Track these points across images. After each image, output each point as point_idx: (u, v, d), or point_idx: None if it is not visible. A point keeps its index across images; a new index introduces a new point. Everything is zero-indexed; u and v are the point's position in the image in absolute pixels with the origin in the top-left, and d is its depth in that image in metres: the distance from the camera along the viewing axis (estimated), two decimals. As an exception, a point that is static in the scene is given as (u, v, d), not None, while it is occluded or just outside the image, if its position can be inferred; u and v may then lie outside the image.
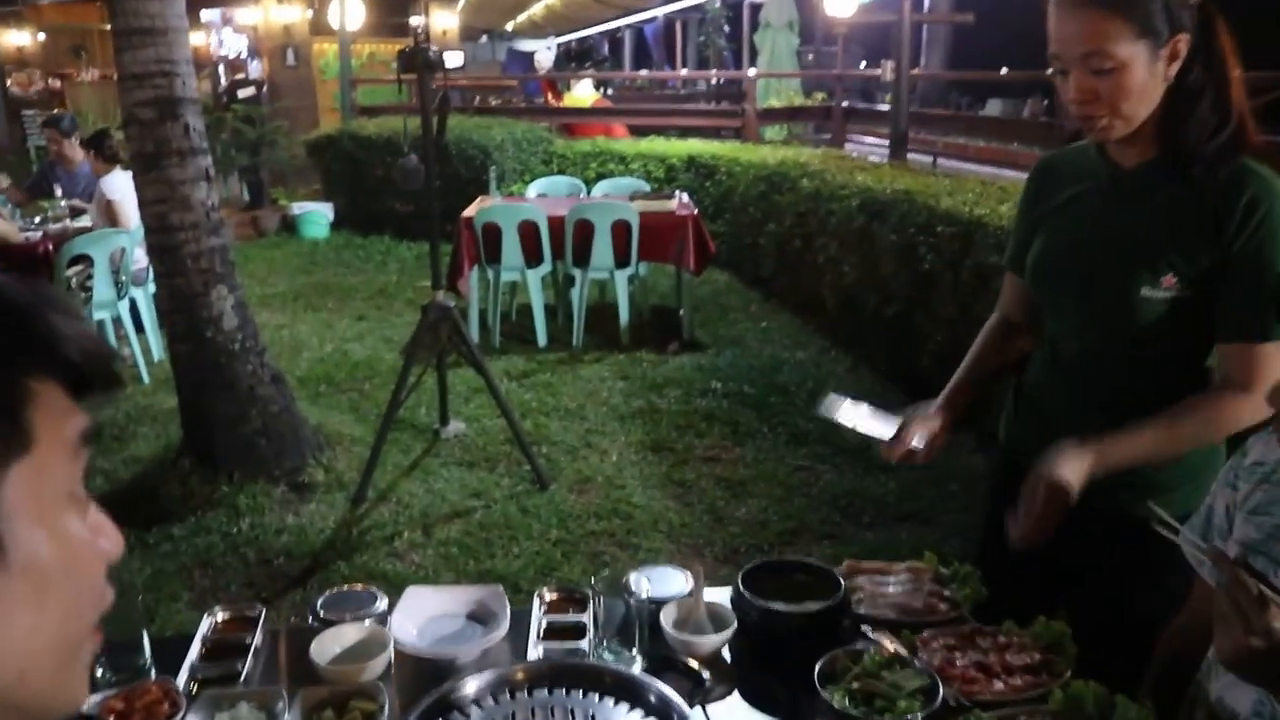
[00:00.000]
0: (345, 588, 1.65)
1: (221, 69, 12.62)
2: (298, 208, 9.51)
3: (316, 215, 9.39)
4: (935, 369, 4.86)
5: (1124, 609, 1.70)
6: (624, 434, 4.69)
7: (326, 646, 1.47)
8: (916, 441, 1.75)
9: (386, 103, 10.77)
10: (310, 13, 11.81)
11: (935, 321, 4.78)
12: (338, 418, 4.82)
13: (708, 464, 4.36)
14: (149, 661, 1.51)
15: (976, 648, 1.44)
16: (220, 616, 1.63)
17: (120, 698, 1.39)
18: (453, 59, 4.11)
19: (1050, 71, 1.57)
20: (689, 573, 1.60)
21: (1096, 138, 1.59)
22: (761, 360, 5.71)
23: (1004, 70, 10.28)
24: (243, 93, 10.32)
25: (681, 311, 6.26)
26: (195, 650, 1.55)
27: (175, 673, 1.48)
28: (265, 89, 11.20)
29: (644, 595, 1.46)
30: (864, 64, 17.98)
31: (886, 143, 8.20)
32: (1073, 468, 1.51)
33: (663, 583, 1.60)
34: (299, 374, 5.33)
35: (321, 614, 1.56)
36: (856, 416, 1.83)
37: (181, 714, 1.36)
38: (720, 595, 1.58)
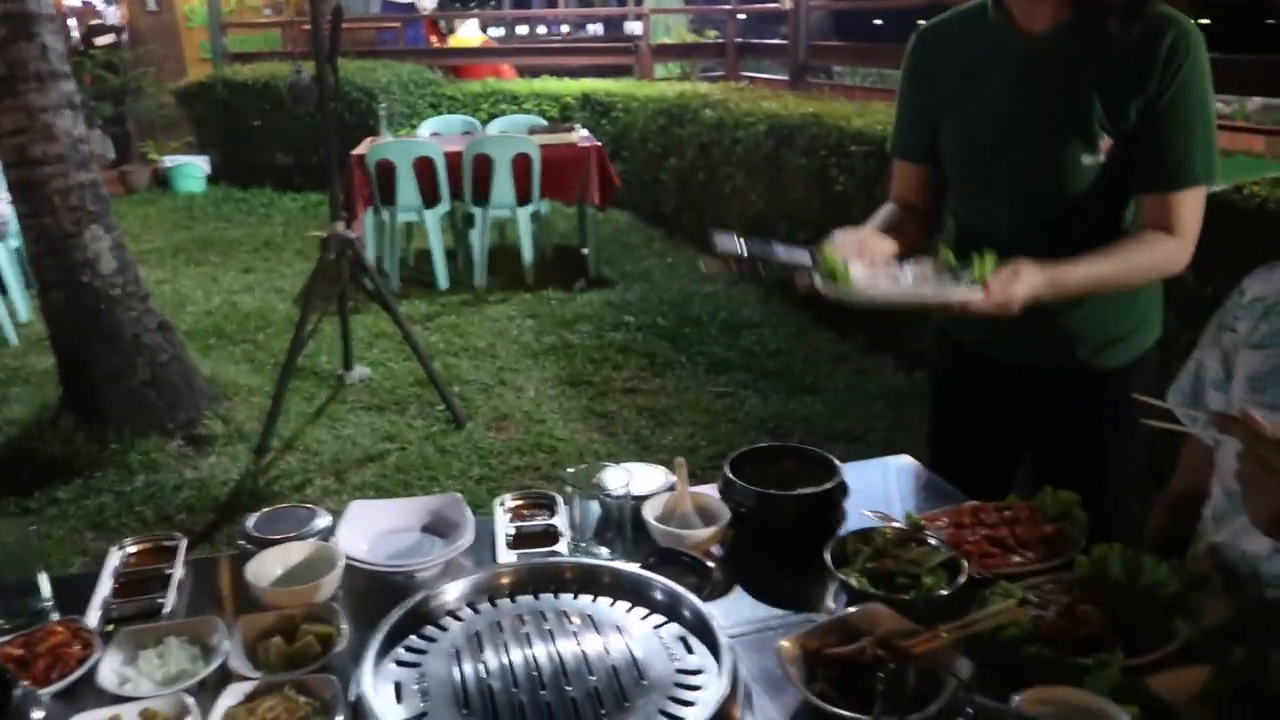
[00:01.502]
0: (279, 506, 1.46)
1: (73, 22, 11.75)
2: (170, 161, 8.94)
3: (191, 168, 8.84)
4: (851, 292, 4.82)
5: (1086, 466, 1.66)
6: (538, 370, 4.52)
7: (266, 568, 1.28)
8: (854, 251, 1.50)
9: (260, 50, 10.20)
10: (171, -46, 11.06)
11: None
12: (232, 369, 4.52)
13: (628, 395, 4.23)
14: (49, 602, 1.30)
15: (983, 524, 1.34)
16: (132, 549, 1.42)
17: (18, 643, 1.18)
18: (344, -35, 3.81)
19: None
20: (667, 469, 1.46)
21: None
22: (671, 294, 5.59)
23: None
24: (101, 40, 9.59)
25: (586, 249, 6.08)
26: (106, 586, 1.34)
27: (83, 613, 1.27)
28: (125, 35, 10.45)
29: (623, 490, 1.32)
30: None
31: (780, 78, 8.13)
32: (1030, 275, 1.42)
33: (639, 480, 1.45)
34: (185, 328, 4.98)
35: (255, 535, 1.37)
36: (762, 248, 1.60)
37: (97, 655, 1.16)
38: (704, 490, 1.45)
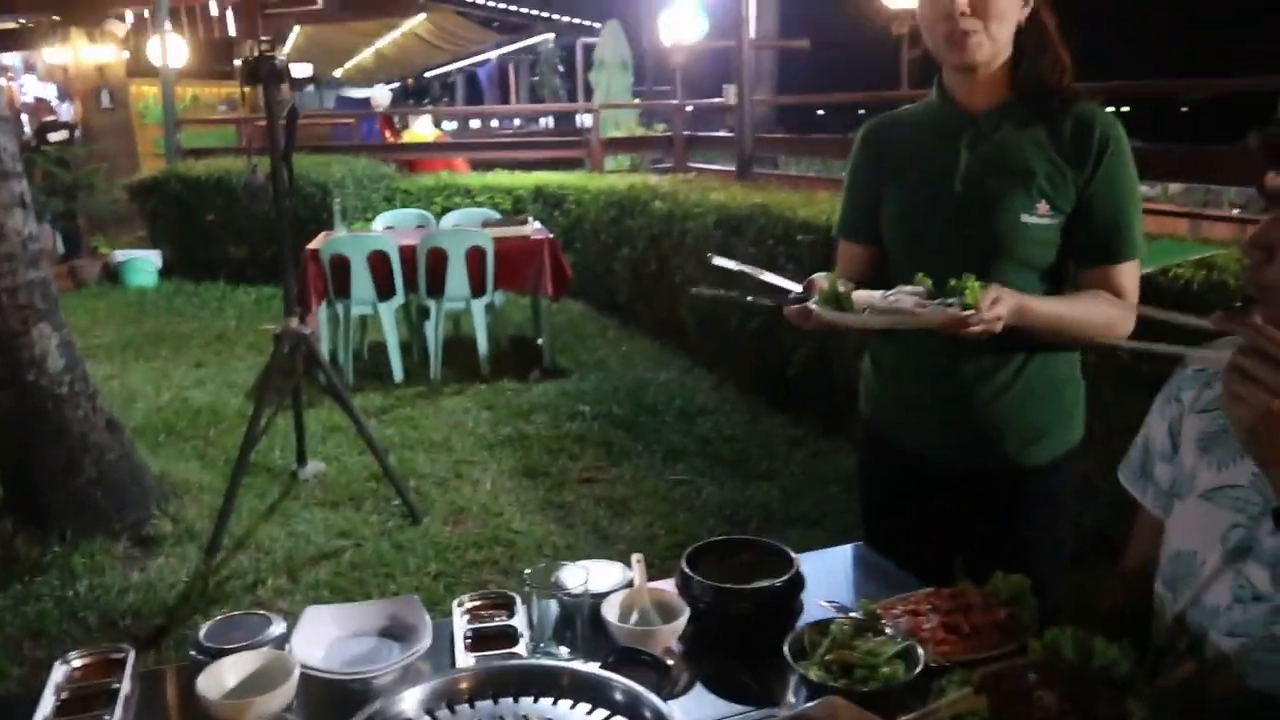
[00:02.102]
0: (231, 614, 1.43)
1: (26, 118, 11.77)
2: (121, 255, 8.90)
3: (142, 263, 8.80)
4: (803, 379, 4.88)
5: (1016, 559, 1.70)
6: (495, 462, 4.50)
7: (218, 680, 1.25)
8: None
9: (214, 145, 10.27)
10: (126, 54, 11.16)
11: (800, 331, 4.80)
12: (182, 466, 4.45)
13: (586, 485, 4.22)
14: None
15: (937, 610, 1.36)
16: (76, 662, 1.38)
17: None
18: (301, 69, 3.88)
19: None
20: (625, 565, 1.46)
21: (961, 58, 1.64)
22: (626, 382, 5.62)
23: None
24: (54, 136, 9.60)
25: (540, 340, 6.11)
26: (48, 703, 1.29)
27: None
28: (79, 132, 10.48)
29: (581, 589, 1.32)
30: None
31: (727, 169, 8.32)
32: (1007, 298, 1.52)
33: (597, 577, 1.45)
34: (134, 424, 4.90)
35: (206, 645, 1.34)
36: (753, 270, 1.68)
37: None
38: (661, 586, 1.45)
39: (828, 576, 1.65)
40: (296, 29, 15.86)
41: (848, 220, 1.87)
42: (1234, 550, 1.19)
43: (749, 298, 1.67)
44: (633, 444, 4.65)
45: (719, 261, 1.77)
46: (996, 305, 1.49)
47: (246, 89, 3.80)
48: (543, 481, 4.26)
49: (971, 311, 1.46)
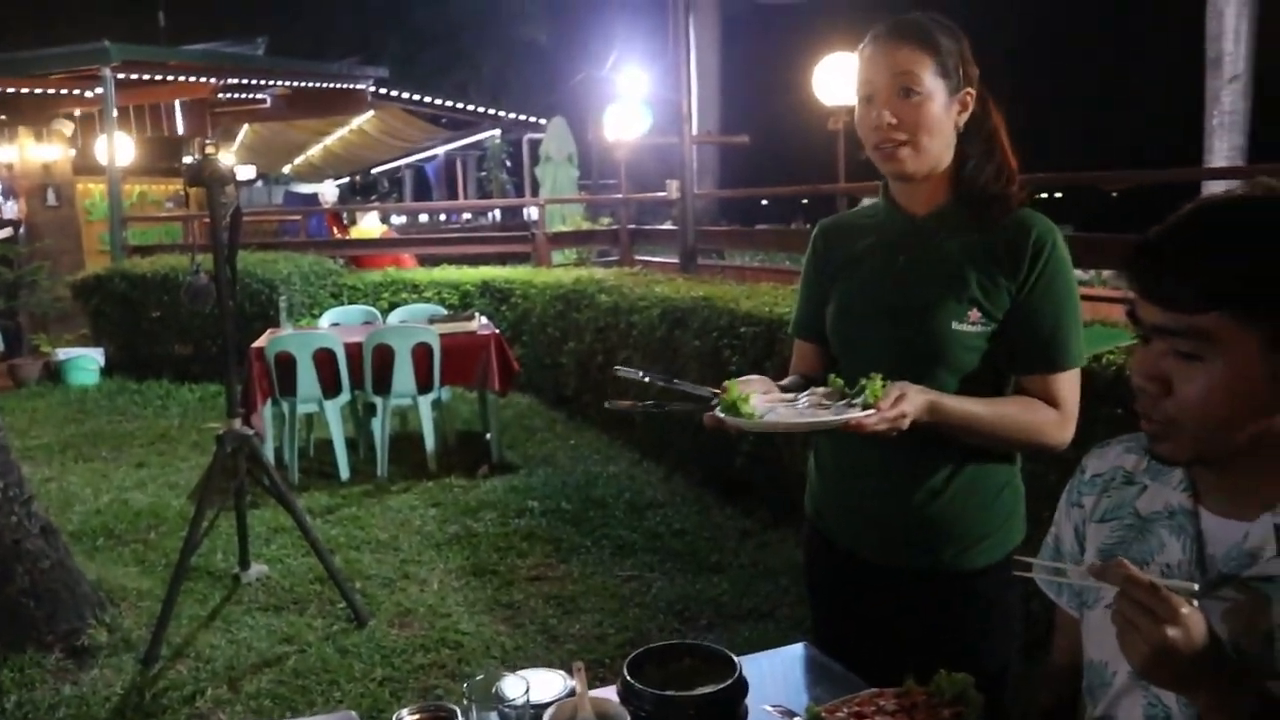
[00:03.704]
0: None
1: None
2: (63, 354, 8.76)
3: (85, 361, 8.67)
4: (750, 468, 4.93)
5: (962, 660, 1.72)
6: (442, 561, 4.46)
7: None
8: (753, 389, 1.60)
9: (160, 242, 10.24)
10: (73, 151, 11.16)
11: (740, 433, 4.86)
12: (121, 572, 4.34)
13: (534, 583, 4.19)
14: None
15: (883, 711, 1.38)
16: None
17: None
18: (244, 171, 3.92)
19: (856, 116, 1.72)
20: (566, 673, 1.47)
21: (892, 168, 1.68)
22: (575, 477, 5.63)
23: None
24: (-3, 234, 9.55)
25: (489, 435, 6.11)
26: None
27: None
28: (23, 229, 10.40)
29: (522, 700, 1.32)
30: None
31: (672, 261, 8.48)
32: (915, 396, 1.54)
33: (537, 686, 1.45)
34: (72, 528, 4.80)
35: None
36: (666, 384, 1.70)
37: None
38: (603, 695, 1.45)
39: (773, 678, 1.67)
40: (246, 126, 15.99)
41: (800, 319, 1.91)
42: None
43: (664, 408, 1.69)
44: (582, 540, 4.64)
45: (623, 372, 1.78)
46: (899, 403, 1.50)
47: (191, 189, 3.83)
48: (491, 580, 4.22)
49: (871, 411, 1.49)
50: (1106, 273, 7.34)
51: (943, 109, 1.65)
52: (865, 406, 1.50)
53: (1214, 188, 9.76)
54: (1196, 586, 1.07)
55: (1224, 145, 10.51)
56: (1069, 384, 1.67)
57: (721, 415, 1.53)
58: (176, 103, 11.46)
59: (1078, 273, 1.85)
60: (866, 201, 1.93)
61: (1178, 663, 1.01)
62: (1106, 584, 1.09)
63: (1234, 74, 10.40)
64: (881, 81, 1.65)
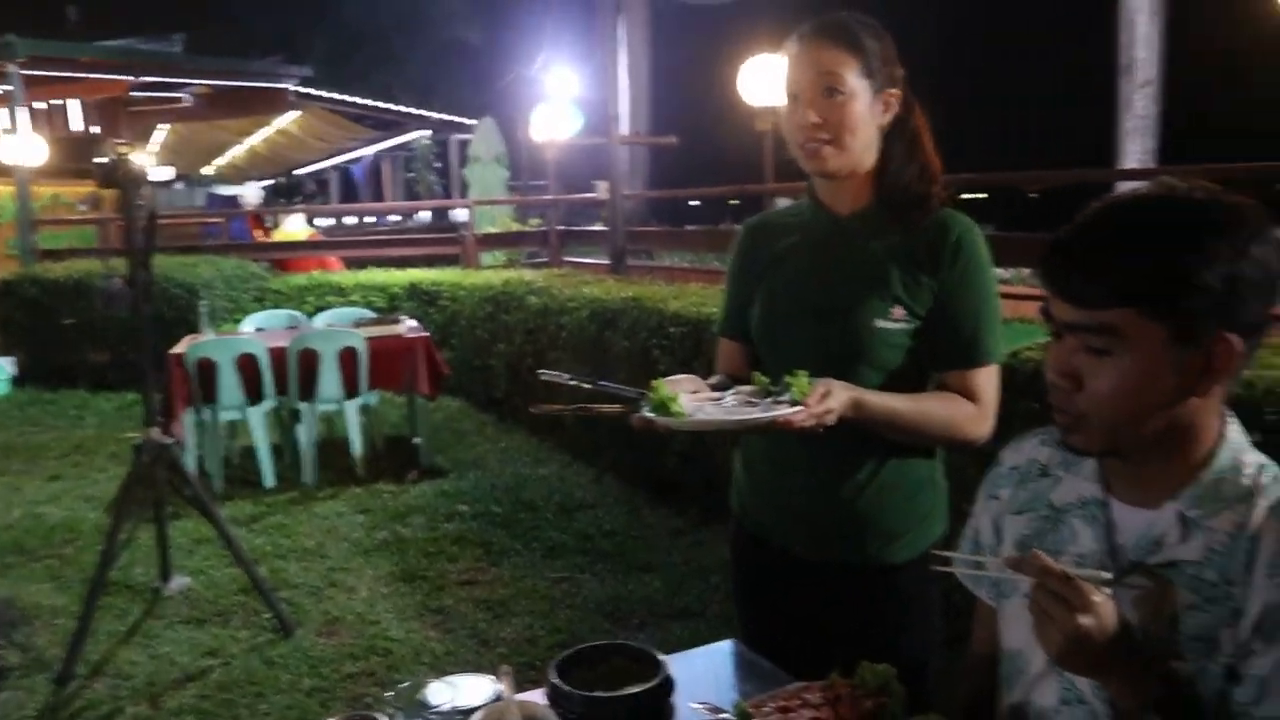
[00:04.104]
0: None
1: None
2: (-31, 364, 8.47)
3: (-7, 370, 8.39)
4: (681, 468, 4.95)
5: (885, 653, 1.75)
6: (371, 568, 4.40)
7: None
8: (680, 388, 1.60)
9: (73, 246, 9.93)
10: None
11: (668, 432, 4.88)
12: (33, 589, 4.20)
13: (465, 587, 4.15)
14: None
15: (808, 704, 1.39)
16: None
17: None
18: (161, 172, 3.82)
19: (784, 113, 1.73)
20: (494, 676, 1.45)
21: (815, 165, 1.70)
22: (505, 480, 5.60)
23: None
24: (-106, 240, 9.18)
25: (417, 439, 6.04)
26: None
27: None
28: (-77, 235, 10.05)
29: (449, 706, 1.31)
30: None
31: (601, 262, 8.48)
32: (840, 392, 1.55)
33: (465, 692, 1.44)
34: (-19, 545, 4.64)
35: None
36: (592, 386, 1.70)
37: None
38: (532, 698, 1.44)
39: (702, 676, 1.67)
40: (167, 126, 15.61)
41: (726, 318, 1.92)
42: None
43: (592, 410, 1.69)
44: (512, 543, 4.61)
45: (546, 375, 1.77)
46: (826, 399, 1.51)
47: (104, 191, 3.72)
48: (420, 586, 4.18)
49: (799, 407, 1.51)
50: (1026, 271, 7.54)
51: (866, 108, 1.67)
52: (793, 403, 1.51)
53: (1127, 188, 10.14)
54: (1108, 575, 1.10)
55: (1136, 148, 10.86)
56: (988, 379, 1.70)
57: (650, 415, 1.53)
58: (89, 101, 11.13)
59: (999, 271, 1.89)
60: (782, 202, 1.94)
61: (1091, 650, 1.04)
62: (1022, 576, 1.11)
63: (1145, 80, 10.75)
64: (806, 81, 1.67)
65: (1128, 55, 10.80)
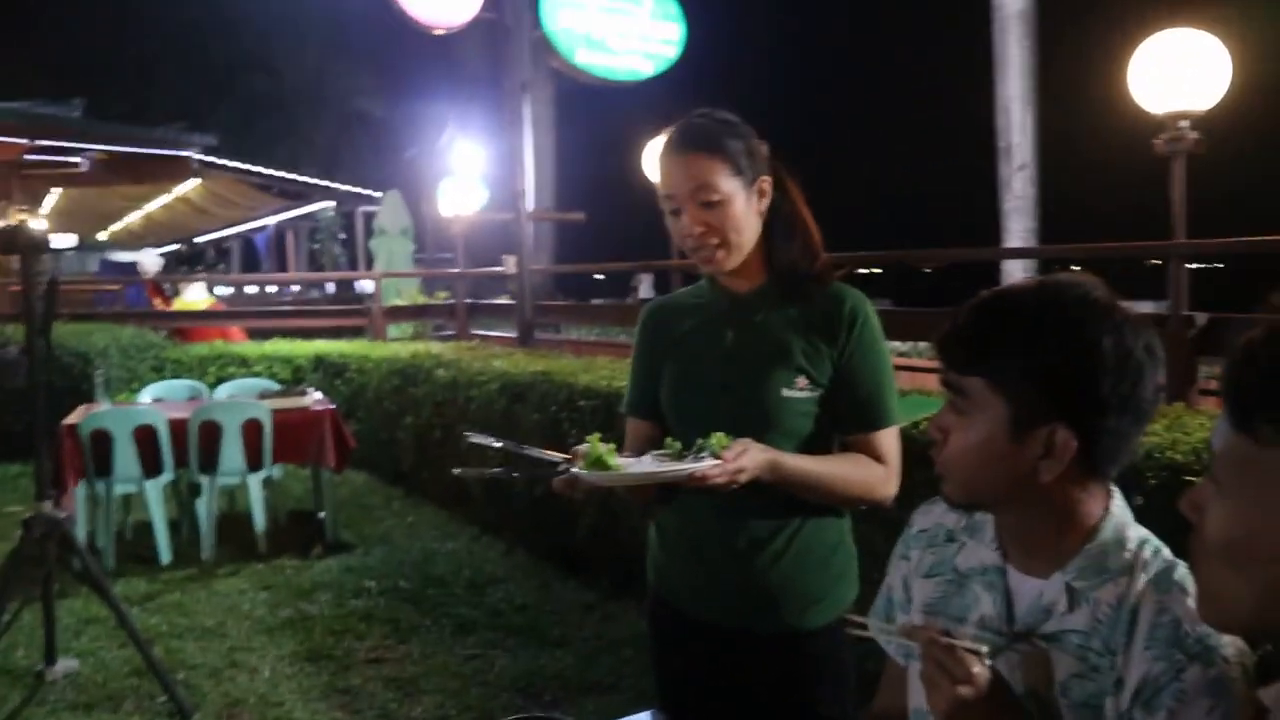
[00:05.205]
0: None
1: None
2: None
3: None
4: (591, 543, 4.95)
5: (803, 718, 1.80)
6: (274, 647, 4.26)
7: None
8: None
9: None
10: None
11: (587, 496, 4.89)
12: (-94, 676, 3.97)
13: (373, 665, 4.06)
14: None
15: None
16: None
17: None
18: (63, 239, 3.75)
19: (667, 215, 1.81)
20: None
21: (712, 268, 1.80)
22: (413, 554, 5.51)
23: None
24: None
25: (322, 513, 5.91)
26: None
27: None
28: None
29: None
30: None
31: (509, 335, 8.50)
32: (755, 452, 1.63)
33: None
34: None
35: None
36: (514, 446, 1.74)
37: None
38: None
39: (619, 750, 1.69)
40: (59, 190, 15.20)
41: (632, 398, 1.98)
42: None
43: (514, 474, 1.73)
44: (421, 619, 4.53)
45: (476, 439, 1.80)
46: (741, 456, 1.59)
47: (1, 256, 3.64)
48: (326, 665, 4.07)
49: (715, 462, 1.56)
50: (923, 345, 7.81)
51: (745, 205, 1.75)
52: (715, 456, 1.58)
53: (1011, 265, 10.62)
54: (986, 648, 1.16)
55: (1018, 227, 11.44)
56: (890, 440, 1.80)
57: (579, 473, 1.57)
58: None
59: (896, 344, 2.00)
60: (681, 288, 2.02)
61: (974, 716, 1.12)
62: (913, 640, 1.18)
63: (1021, 163, 11.37)
64: (682, 193, 1.75)
65: (1005, 139, 11.42)
